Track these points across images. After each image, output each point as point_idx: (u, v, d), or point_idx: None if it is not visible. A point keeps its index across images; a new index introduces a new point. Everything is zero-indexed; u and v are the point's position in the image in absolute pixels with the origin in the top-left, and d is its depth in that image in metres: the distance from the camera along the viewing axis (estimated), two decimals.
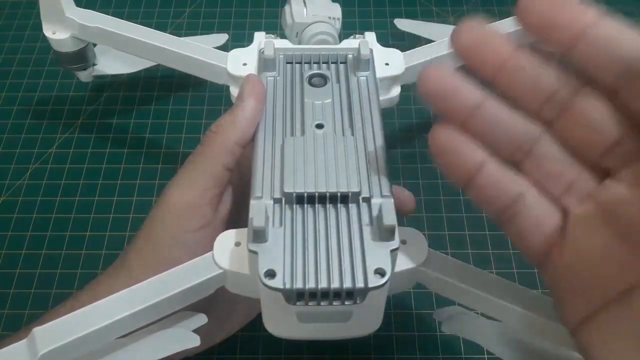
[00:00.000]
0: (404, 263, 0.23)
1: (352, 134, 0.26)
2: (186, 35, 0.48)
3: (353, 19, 0.51)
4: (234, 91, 0.31)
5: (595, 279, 0.18)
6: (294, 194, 0.23)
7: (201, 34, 0.50)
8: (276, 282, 0.20)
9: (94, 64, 0.40)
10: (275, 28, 0.50)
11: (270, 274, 0.21)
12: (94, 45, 0.40)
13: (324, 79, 0.29)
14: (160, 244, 0.26)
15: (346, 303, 0.21)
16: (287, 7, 0.36)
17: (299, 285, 0.20)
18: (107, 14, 0.36)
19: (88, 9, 0.36)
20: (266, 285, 0.20)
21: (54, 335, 0.22)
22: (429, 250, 0.24)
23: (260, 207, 0.22)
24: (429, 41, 0.34)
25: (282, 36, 0.33)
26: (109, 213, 0.40)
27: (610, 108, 0.18)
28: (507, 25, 0.28)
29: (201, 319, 0.26)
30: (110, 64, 0.42)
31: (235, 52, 0.31)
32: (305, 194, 0.23)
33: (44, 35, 0.37)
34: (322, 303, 0.21)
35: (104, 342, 0.23)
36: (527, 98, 0.19)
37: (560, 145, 0.19)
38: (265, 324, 0.23)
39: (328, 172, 0.24)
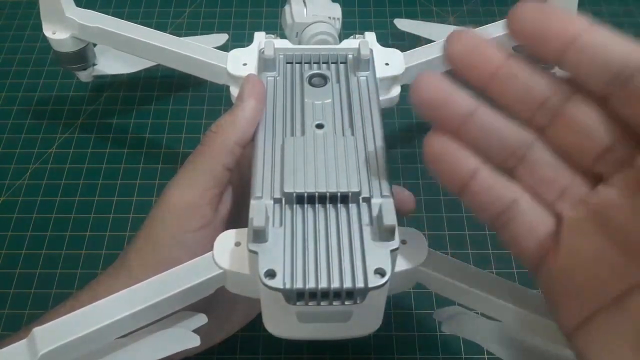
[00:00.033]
0: (404, 263, 0.23)
1: (352, 134, 0.26)
2: (186, 35, 0.48)
3: (353, 19, 0.51)
4: (234, 91, 0.31)
5: (589, 281, 0.18)
6: (294, 194, 0.23)
7: (201, 34, 0.50)
8: (276, 282, 0.20)
9: (94, 64, 0.40)
10: (275, 28, 0.50)
11: (270, 274, 0.21)
12: (94, 45, 0.40)
13: (324, 79, 0.28)
14: (160, 244, 0.26)
15: (346, 303, 0.21)
16: (287, 7, 0.36)
17: (299, 285, 0.20)
18: (107, 14, 0.36)
19: (88, 9, 0.36)
20: (266, 285, 0.20)
21: (54, 335, 0.22)
22: (429, 250, 0.24)
23: (260, 207, 0.22)
24: (429, 41, 0.34)
25: (282, 36, 0.33)
26: (109, 213, 0.40)
27: (601, 115, 0.18)
28: (500, 28, 0.28)
29: (201, 319, 0.26)
30: (110, 64, 0.42)
31: (235, 52, 0.31)
32: (305, 194, 0.23)
33: (44, 35, 0.37)
34: (322, 303, 0.21)
35: (104, 342, 0.23)
36: (519, 105, 0.19)
37: (553, 151, 0.19)
38: (265, 324, 0.23)
39: (328, 172, 0.24)
